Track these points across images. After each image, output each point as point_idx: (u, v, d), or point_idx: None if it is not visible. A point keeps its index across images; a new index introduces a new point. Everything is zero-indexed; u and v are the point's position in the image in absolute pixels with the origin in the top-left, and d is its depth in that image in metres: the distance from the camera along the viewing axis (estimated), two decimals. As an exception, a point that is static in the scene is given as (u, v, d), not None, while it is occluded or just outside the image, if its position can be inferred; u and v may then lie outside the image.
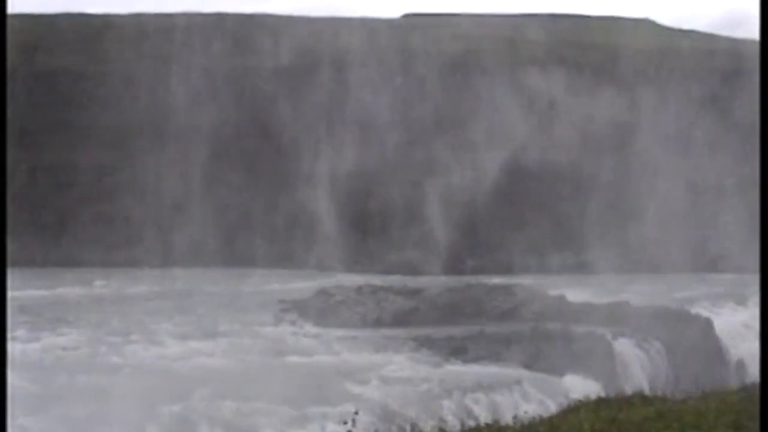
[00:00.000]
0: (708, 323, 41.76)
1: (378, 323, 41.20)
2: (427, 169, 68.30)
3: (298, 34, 71.99)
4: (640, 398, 20.36)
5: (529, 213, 66.80)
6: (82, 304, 47.14)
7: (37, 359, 32.75)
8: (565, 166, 68.60)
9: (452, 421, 21.42)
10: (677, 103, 71.73)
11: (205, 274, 58.38)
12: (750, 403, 15.94)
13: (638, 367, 36.90)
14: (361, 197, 66.41)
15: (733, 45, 77.43)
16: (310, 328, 40.67)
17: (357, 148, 67.00)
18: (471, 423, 19.73)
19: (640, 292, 48.60)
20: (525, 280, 51.57)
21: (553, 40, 73.94)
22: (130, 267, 62.04)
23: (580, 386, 31.07)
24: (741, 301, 49.04)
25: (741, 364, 39.83)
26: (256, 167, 68.39)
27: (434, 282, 51.83)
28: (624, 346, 37.65)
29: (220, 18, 75.29)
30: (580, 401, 21.02)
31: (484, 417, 25.53)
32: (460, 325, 40.00)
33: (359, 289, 45.65)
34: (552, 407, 26.09)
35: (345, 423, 17.19)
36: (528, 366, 34.16)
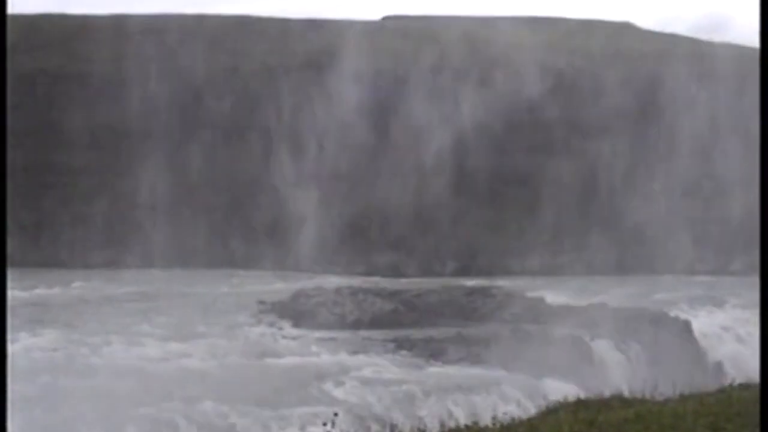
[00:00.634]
0: (686, 325, 41.94)
1: (357, 325, 41.21)
2: (405, 172, 68.32)
3: (278, 35, 71.97)
4: (619, 400, 20.42)
5: (508, 215, 66.88)
6: (60, 305, 46.99)
7: (15, 361, 32.63)
8: (544, 168, 68.71)
9: (431, 423, 21.43)
10: (656, 105, 71.96)
11: (184, 276, 58.29)
12: (728, 405, 16.01)
13: (617, 369, 37.02)
14: (340, 199, 66.40)
15: (712, 49, 77.73)
16: (289, 330, 40.67)
17: (337, 149, 67.01)
18: (450, 425, 19.75)
19: (619, 294, 48.77)
20: (504, 282, 51.68)
21: (533, 43, 74.06)
22: (109, 268, 61.90)
23: (559, 388, 31.14)
24: (719, 303, 49.29)
25: (719, 366, 40.01)
26: (236, 168, 68.29)
27: (413, 284, 51.86)
28: (602, 348, 37.79)
29: (200, 19, 75.16)
30: (559, 403, 21.08)
31: (463, 419, 25.57)
32: (439, 327, 40.07)
33: (338, 291, 45.64)
34: (531, 409, 26.15)
35: (324, 425, 17.20)
36: (507, 368, 34.23)
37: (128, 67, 70.10)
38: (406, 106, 69.81)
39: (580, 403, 20.38)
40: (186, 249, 62.43)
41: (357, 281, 53.90)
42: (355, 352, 36.21)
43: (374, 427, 20.76)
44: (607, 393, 22.46)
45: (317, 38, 70.90)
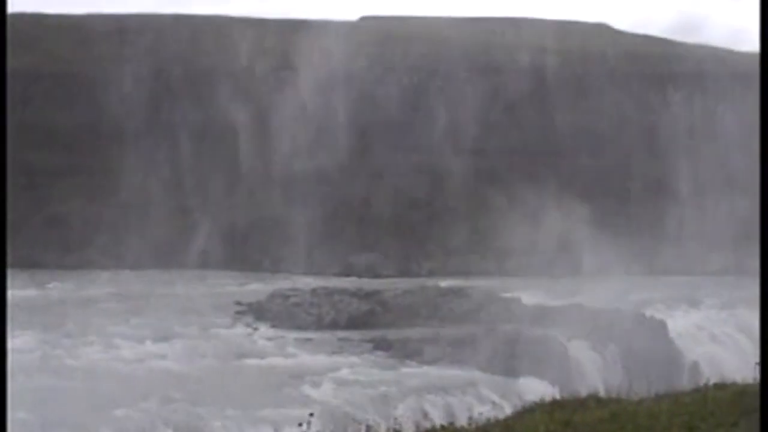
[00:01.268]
0: (662, 325, 42.03)
1: (334, 325, 41.22)
2: (381, 172, 68.35)
3: (255, 36, 71.85)
4: (595, 400, 20.45)
5: (485, 216, 66.89)
6: (35, 306, 46.73)
7: (-10, 362, 32.42)
8: (520, 168, 68.81)
9: (407, 423, 21.42)
10: (632, 105, 72.24)
11: (160, 276, 58.10)
12: (702, 405, 16.07)
13: (593, 368, 37.09)
14: (317, 200, 66.32)
15: (688, 50, 78.12)
16: (265, 331, 40.65)
17: (313, 150, 66.98)
18: (426, 425, 19.74)
19: (594, 295, 48.83)
20: (480, 282, 51.73)
21: (508, 43, 74.22)
22: (84, 269, 61.60)
23: (535, 388, 31.22)
24: (694, 303, 49.42)
25: (695, 366, 40.11)
26: (212, 169, 68.11)
27: (390, 284, 51.85)
28: (578, 349, 37.85)
29: (176, 19, 74.98)
30: (535, 403, 21.10)
31: (439, 419, 25.58)
32: (415, 328, 40.08)
33: (315, 292, 45.62)
34: (507, 409, 26.19)
35: (300, 425, 17.17)
36: (483, 368, 34.27)
37: (104, 67, 69.90)
38: (383, 106, 69.82)
39: (555, 403, 20.40)
40: (162, 250, 62.22)
41: (334, 282, 53.88)
42: (331, 353, 36.21)
43: (350, 427, 20.76)
44: (582, 393, 22.49)
45: (294, 39, 70.77)
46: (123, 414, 26.10)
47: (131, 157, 66.77)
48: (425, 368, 34.35)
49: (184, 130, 68.46)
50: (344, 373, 32.89)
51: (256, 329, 40.84)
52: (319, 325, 41.29)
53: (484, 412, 23.12)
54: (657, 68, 74.52)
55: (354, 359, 35.31)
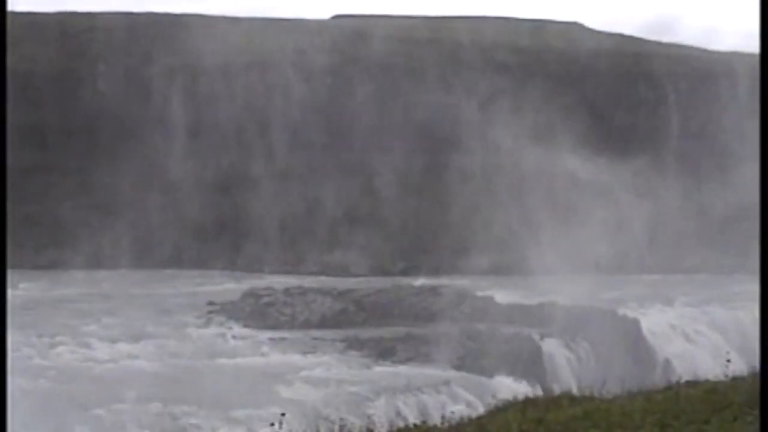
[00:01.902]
0: (635, 323, 42.18)
1: (307, 324, 41.21)
2: (355, 171, 68.30)
3: (228, 34, 71.62)
4: (568, 398, 20.46)
5: (457, 214, 66.89)
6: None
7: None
8: (494, 166, 68.81)
9: (381, 422, 21.43)
10: (603, 104, 72.45)
11: (133, 276, 57.88)
12: (675, 403, 16.10)
13: (566, 367, 37.21)
14: (289, 198, 66.24)
15: (658, 48, 78.38)
16: (238, 330, 40.60)
17: (285, 148, 66.91)
18: (400, 424, 19.76)
19: (569, 293, 48.90)
20: (454, 281, 51.74)
21: (483, 42, 74.27)
22: (56, 269, 61.27)
23: (509, 387, 31.30)
24: (667, 301, 49.57)
25: (668, 364, 40.27)
26: (185, 167, 67.88)
27: (363, 283, 51.83)
28: (552, 347, 37.96)
29: (150, 18, 74.74)
30: (508, 402, 21.10)
31: (412, 418, 25.62)
32: (389, 327, 40.12)
33: (288, 291, 45.56)
34: (480, 408, 26.21)
35: (272, 425, 17.13)
36: (457, 367, 34.34)
37: (75, 65, 69.63)
38: (354, 104, 69.79)
39: (528, 402, 20.41)
40: (134, 249, 61.97)
41: (307, 281, 53.85)
42: (305, 353, 36.20)
43: (323, 427, 20.74)
44: (556, 391, 22.53)
45: (266, 37, 70.65)
46: (96, 414, 26.02)
47: (103, 156, 66.51)
48: (399, 367, 34.40)
49: (156, 129, 68.23)
50: (318, 372, 32.91)
51: (229, 329, 40.78)
52: (293, 324, 41.27)
53: (457, 410, 23.16)
54: (630, 67, 74.74)
55: (327, 358, 35.33)
